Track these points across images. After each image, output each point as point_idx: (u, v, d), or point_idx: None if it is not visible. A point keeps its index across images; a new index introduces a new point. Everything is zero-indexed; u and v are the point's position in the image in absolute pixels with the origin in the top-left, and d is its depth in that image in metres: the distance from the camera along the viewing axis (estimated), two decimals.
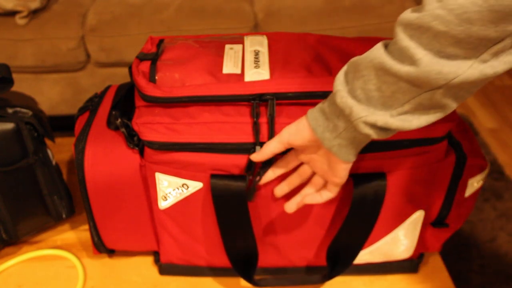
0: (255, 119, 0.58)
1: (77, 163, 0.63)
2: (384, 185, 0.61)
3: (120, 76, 1.82)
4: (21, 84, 1.82)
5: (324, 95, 0.58)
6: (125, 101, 0.68)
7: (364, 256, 0.71)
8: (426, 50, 0.42)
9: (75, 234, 0.81)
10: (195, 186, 0.63)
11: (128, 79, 1.80)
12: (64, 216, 0.78)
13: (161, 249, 0.71)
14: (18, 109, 0.70)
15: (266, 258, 0.71)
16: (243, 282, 0.73)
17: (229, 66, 0.61)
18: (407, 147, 0.60)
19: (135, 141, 0.63)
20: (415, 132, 0.57)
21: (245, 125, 0.59)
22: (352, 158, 0.53)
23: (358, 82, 0.47)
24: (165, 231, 0.68)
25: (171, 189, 0.63)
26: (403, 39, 0.43)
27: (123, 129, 0.63)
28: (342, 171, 0.55)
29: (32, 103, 0.78)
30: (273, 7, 1.77)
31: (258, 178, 0.60)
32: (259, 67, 0.61)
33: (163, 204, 0.65)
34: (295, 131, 0.54)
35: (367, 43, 0.66)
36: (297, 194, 0.61)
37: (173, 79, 0.60)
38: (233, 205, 0.61)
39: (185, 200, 0.64)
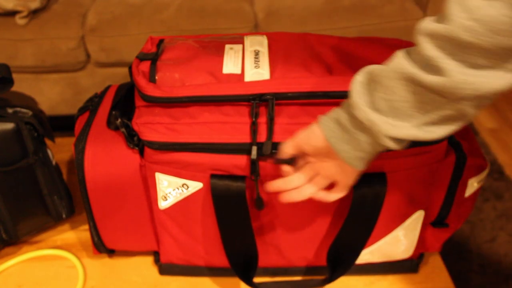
0: (253, 119, 0.58)
1: (77, 163, 0.63)
2: (384, 185, 0.61)
3: (120, 76, 1.82)
4: (21, 84, 1.82)
5: (324, 95, 0.58)
6: (125, 101, 0.68)
7: (364, 256, 0.71)
8: (455, 60, 0.41)
9: (75, 234, 0.81)
10: (195, 186, 0.63)
11: (128, 79, 1.79)
12: (64, 216, 0.78)
13: (161, 249, 0.71)
14: (18, 109, 0.70)
15: (267, 258, 0.71)
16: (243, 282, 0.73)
17: (229, 66, 0.61)
18: (407, 147, 0.60)
19: (135, 141, 0.63)
20: None
21: (245, 125, 0.59)
22: (366, 166, 0.54)
23: (379, 93, 0.47)
24: (165, 231, 0.68)
25: (171, 189, 0.63)
26: (429, 49, 0.42)
27: (123, 129, 0.63)
28: (354, 176, 0.56)
29: (32, 103, 0.78)
30: (273, 7, 1.77)
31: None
32: (259, 67, 0.61)
33: (163, 204, 0.65)
34: (307, 139, 0.54)
35: (367, 43, 0.66)
36: (295, 189, 0.59)
37: (173, 79, 0.60)
38: (233, 205, 0.61)
39: (185, 200, 0.64)
